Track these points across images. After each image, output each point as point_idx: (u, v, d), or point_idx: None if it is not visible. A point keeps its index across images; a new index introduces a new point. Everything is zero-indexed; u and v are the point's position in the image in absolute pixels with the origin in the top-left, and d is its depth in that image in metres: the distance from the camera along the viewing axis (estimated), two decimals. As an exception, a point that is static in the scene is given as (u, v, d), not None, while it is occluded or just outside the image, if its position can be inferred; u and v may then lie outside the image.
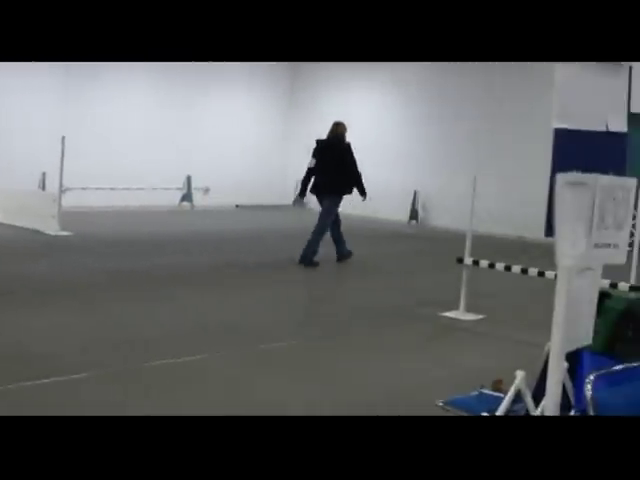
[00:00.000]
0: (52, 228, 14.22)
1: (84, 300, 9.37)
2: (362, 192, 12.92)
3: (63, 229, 14.24)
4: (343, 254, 13.07)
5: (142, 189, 18.62)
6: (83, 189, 17.35)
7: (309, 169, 12.80)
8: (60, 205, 14.45)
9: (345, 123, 13.10)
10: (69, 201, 15.67)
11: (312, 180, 12.79)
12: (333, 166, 12.59)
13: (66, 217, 14.44)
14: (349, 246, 13.19)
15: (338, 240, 13.04)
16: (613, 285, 8.12)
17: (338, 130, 12.94)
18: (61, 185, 14.60)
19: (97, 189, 17.77)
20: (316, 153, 12.84)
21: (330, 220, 12.79)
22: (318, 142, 13.00)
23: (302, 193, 13.05)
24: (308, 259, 12.46)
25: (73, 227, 14.38)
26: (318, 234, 12.60)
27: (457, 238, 13.90)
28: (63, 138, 14.29)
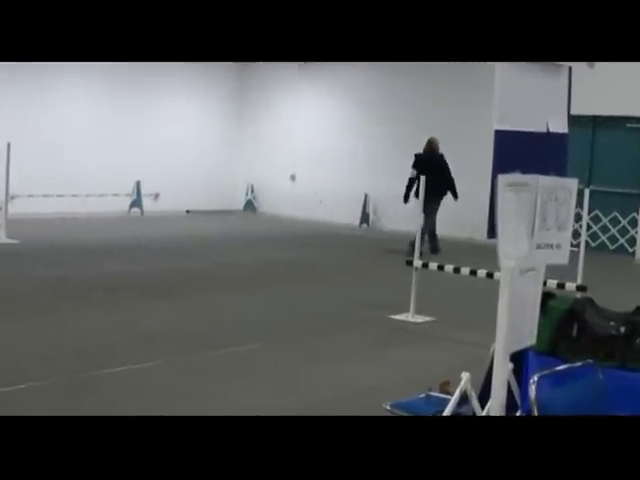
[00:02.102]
0: (-1, 236, 14.05)
1: (31, 308, 9.24)
2: (455, 195, 15.56)
3: (10, 237, 14.03)
4: (437, 247, 15.28)
5: (90, 196, 18.43)
6: (30, 196, 17.14)
7: (410, 179, 15.13)
8: (7, 213, 14.24)
9: (437, 138, 15.60)
10: (16, 209, 15.46)
11: (414, 187, 14.63)
12: (432, 174, 14.13)
13: (13, 225, 14.22)
14: (300, 250, 13.28)
15: (432, 235, 15.37)
16: (560, 285, 8.19)
17: (432, 146, 15.64)
18: (7, 192, 14.39)
19: (44, 196, 17.55)
20: (417, 164, 15.19)
21: (435, 218, 15.32)
22: (417, 155, 15.53)
23: (406, 199, 15.32)
24: (438, 249, 15.15)
25: (20, 235, 14.18)
26: (433, 230, 15.39)
27: (408, 241, 13.97)
28: (9, 145, 14.10)
